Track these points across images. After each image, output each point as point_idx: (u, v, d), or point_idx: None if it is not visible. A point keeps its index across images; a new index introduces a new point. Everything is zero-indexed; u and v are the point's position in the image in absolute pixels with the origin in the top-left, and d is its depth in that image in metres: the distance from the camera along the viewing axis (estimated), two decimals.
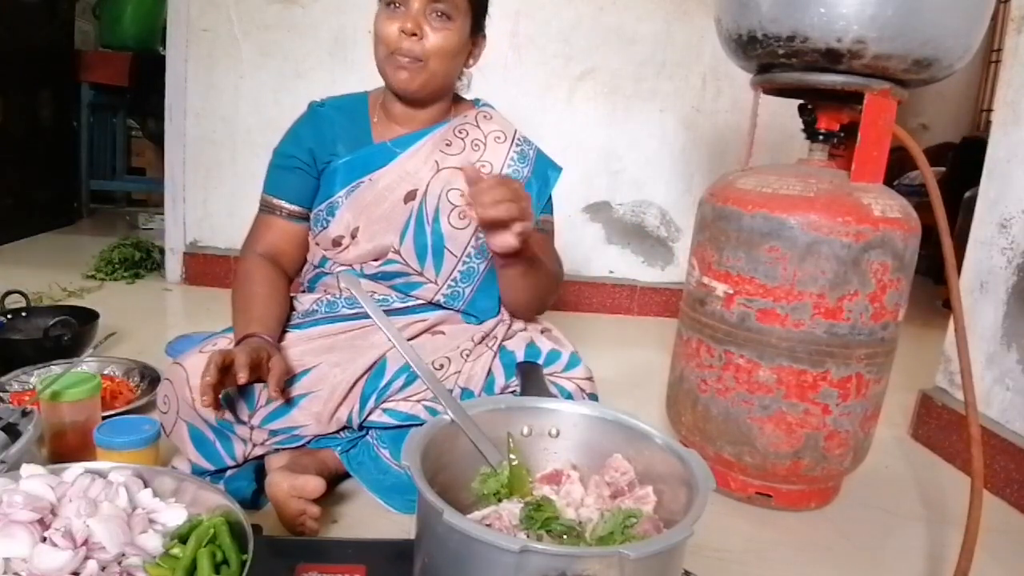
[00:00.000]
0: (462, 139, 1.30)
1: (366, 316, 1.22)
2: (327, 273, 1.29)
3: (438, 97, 1.27)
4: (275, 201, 1.27)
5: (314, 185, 1.27)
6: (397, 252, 1.25)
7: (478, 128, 1.32)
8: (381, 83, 1.26)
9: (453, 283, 1.29)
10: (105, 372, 1.57)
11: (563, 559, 0.57)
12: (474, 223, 1.25)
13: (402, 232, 1.25)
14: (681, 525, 0.62)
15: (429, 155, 1.27)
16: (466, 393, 1.16)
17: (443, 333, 1.26)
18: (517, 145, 1.32)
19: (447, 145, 1.28)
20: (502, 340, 1.25)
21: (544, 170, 1.34)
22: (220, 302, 2.35)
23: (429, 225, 1.25)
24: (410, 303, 1.29)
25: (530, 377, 1.05)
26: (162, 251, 2.64)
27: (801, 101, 1.34)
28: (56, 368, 1.44)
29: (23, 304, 1.88)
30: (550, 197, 1.35)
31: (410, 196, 1.25)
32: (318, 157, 1.26)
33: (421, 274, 1.27)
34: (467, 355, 1.21)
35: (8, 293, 1.84)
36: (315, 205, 1.28)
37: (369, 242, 1.25)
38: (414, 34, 1.14)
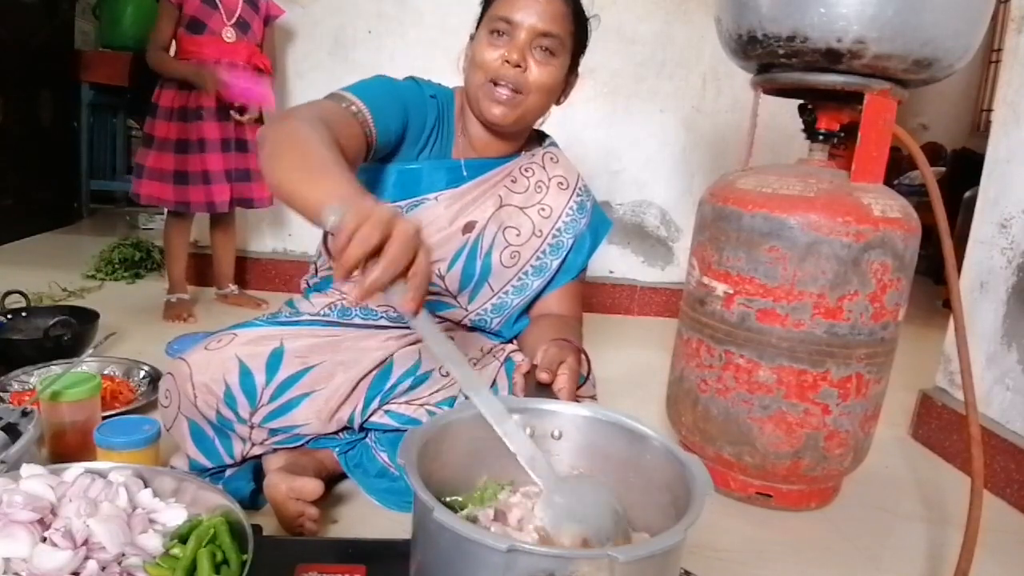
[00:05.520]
0: (527, 178, 1.28)
1: (379, 327, 1.22)
2: None
3: (524, 131, 1.26)
4: (351, 96, 1.07)
5: (397, 129, 1.13)
6: (441, 277, 1.23)
7: (544, 170, 1.31)
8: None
9: (483, 312, 1.29)
10: (105, 372, 1.57)
11: (552, 560, 0.56)
12: (520, 265, 1.27)
13: (452, 259, 1.22)
14: (674, 529, 0.61)
15: (494, 188, 1.25)
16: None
17: (451, 339, 1.25)
18: (578, 195, 1.32)
19: (512, 182, 1.27)
20: (510, 352, 1.25)
21: (597, 225, 1.36)
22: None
23: (480, 259, 1.24)
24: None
25: (533, 379, 1.05)
26: (162, 251, 2.64)
27: (801, 101, 1.34)
28: (56, 368, 1.44)
29: (23, 304, 1.89)
30: None
31: (469, 227, 1.22)
32: (411, 124, 1.16)
33: (454, 298, 1.26)
34: (474, 363, 1.20)
35: (8, 293, 1.84)
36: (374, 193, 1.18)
37: None
38: (518, 65, 1.11)
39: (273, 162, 0.87)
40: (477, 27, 1.19)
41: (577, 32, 1.17)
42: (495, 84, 1.13)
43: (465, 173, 1.22)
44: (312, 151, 0.85)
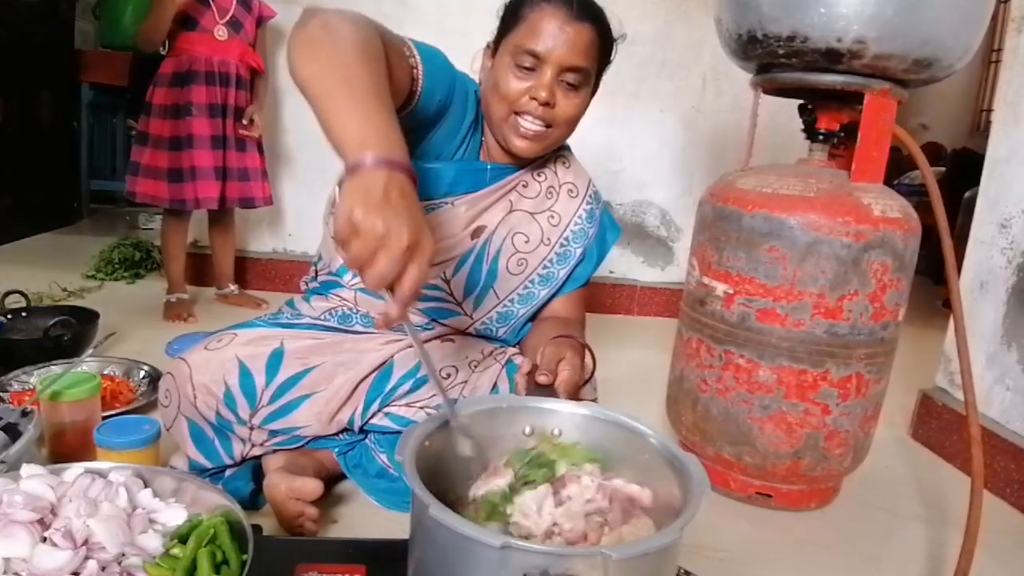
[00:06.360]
0: (539, 183, 1.26)
1: (378, 334, 1.21)
2: (342, 285, 1.24)
3: None
4: (408, 42, 1.02)
5: (440, 102, 1.08)
6: (446, 282, 1.21)
7: (555, 175, 1.28)
8: None
9: (489, 320, 1.26)
10: (105, 372, 1.57)
11: (545, 557, 0.57)
12: (526, 273, 1.25)
13: (458, 264, 1.20)
14: (670, 528, 0.62)
15: (506, 194, 1.22)
16: None
17: (452, 341, 1.25)
18: (588, 203, 1.30)
19: (524, 187, 1.24)
20: (511, 355, 1.24)
21: (604, 233, 1.34)
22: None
23: (487, 264, 1.22)
24: (432, 332, 1.24)
25: (534, 379, 1.04)
26: (161, 251, 2.64)
27: (801, 101, 1.34)
28: (56, 368, 1.44)
29: (23, 304, 1.89)
30: None
31: (478, 232, 1.20)
32: (452, 109, 1.11)
33: (459, 305, 1.24)
34: (475, 366, 1.20)
35: (8, 293, 1.84)
36: None
37: None
38: (547, 103, 1.07)
39: (310, 53, 0.80)
40: (497, 43, 1.13)
41: (602, 58, 1.14)
42: (519, 115, 1.10)
43: (488, 177, 1.19)
44: (349, 63, 0.78)
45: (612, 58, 1.17)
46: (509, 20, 1.10)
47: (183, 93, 2.09)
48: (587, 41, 1.07)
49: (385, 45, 0.90)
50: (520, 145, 1.11)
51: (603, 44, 1.12)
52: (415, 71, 1.00)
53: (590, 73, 1.11)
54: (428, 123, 1.09)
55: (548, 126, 1.11)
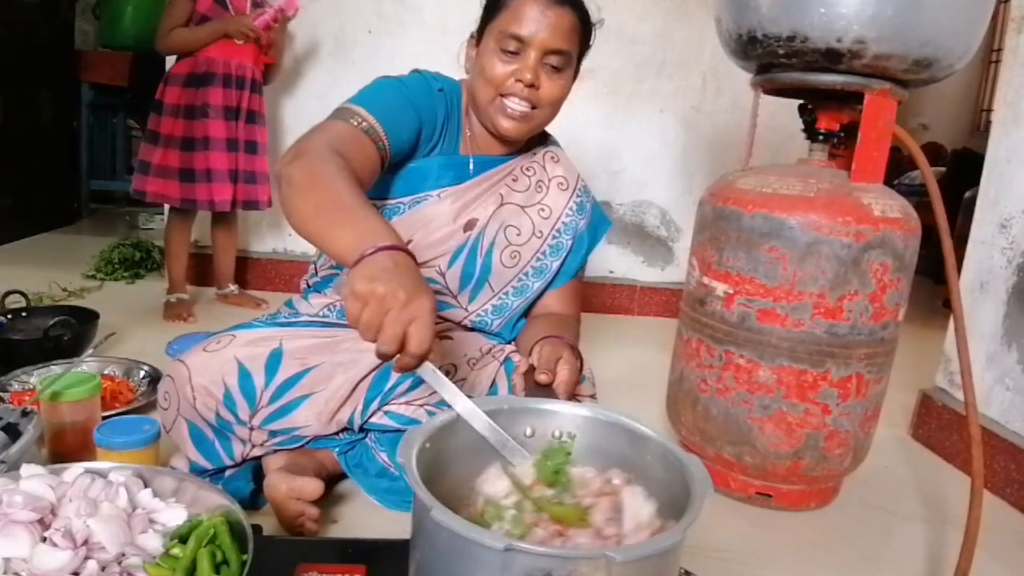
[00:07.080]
0: (528, 177, 1.29)
1: None
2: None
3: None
4: (360, 110, 1.06)
5: (410, 138, 1.13)
6: (441, 274, 1.23)
7: (544, 169, 1.31)
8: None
9: (484, 313, 1.28)
10: (105, 372, 1.57)
11: (549, 559, 0.56)
12: (520, 266, 1.27)
13: (453, 257, 1.22)
14: (674, 529, 0.62)
15: (495, 186, 1.25)
16: None
17: (450, 338, 1.25)
18: (578, 196, 1.33)
19: (513, 180, 1.27)
20: (509, 352, 1.24)
21: (596, 226, 1.37)
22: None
23: (481, 257, 1.24)
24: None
25: (532, 379, 1.04)
26: (162, 251, 2.64)
27: (801, 101, 1.34)
28: (56, 368, 1.44)
29: (23, 304, 1.89)
30: None
31: (470, 225, 1.22)
32: (424, 126, 1.15)
33: (455, 298, 1.26)
34: (473, 364, 1.20)
35: (8, 293, 1.84)
36: (376, 192, 1.16)
37: (417, 258, 1.22)
38: (531, 85, 1.11)
39: (294, 206, 0.90)
40: (480, 31, 1.17)
41: (583, 42, 1.18)
42: (505, 96, 1.13)
43: (471, 169, 1.23)
44: (330, 195, 0.88)
45: (591, 43, 1.21)
46: (492, 7, 1.15)
47: (198, 94, 2.09)
48: (568, 25, 1.12)
49: (347, 152, 0.98)
50: (507, 126, 1.15)
51: (583, 28, 1.16)
52: (378, 137, 1.05)
53: (572, 56, 1.15)
54: (409, 154, 1.16)
55: (533, 107, 1.15)
